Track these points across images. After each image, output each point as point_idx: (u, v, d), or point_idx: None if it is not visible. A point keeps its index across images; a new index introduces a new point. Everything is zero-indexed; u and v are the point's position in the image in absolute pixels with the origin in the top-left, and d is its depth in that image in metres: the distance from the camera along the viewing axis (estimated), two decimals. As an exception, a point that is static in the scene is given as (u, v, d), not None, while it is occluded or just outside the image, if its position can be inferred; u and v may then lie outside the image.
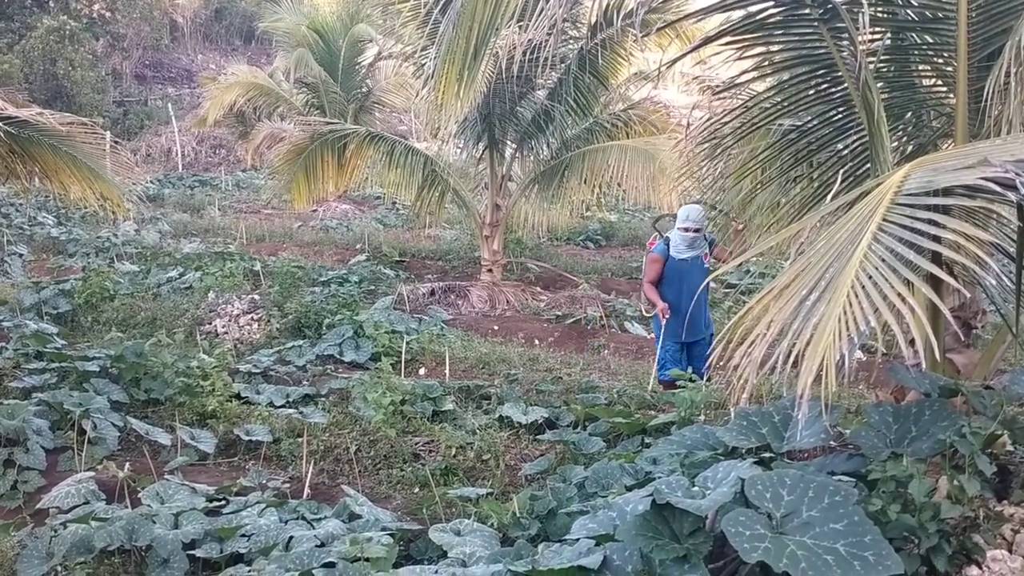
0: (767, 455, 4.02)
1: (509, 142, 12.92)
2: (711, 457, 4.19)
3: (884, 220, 2.83)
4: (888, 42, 4.80)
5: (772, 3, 4.51)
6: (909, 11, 4.70)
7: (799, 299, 2.83)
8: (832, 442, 4.34)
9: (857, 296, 2.67)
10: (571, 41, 11.37)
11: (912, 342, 2.69)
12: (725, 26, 4.62)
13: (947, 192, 2.90)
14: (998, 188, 2.67)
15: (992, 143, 3.55)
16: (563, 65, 11.62)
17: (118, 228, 16.55)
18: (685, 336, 7.55)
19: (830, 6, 4.30)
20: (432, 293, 12.76)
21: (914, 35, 4.81)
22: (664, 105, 13.36)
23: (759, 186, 5.53)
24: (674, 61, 5.35)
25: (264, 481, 5.97)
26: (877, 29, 4.70)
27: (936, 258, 3.07)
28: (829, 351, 2.58)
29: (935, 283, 3.11)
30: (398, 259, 15.48)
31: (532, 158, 13.12)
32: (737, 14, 4.56)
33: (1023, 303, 4.06)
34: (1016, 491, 3.49)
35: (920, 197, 2.88)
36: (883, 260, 2.74)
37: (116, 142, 8.04)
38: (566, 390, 7.86)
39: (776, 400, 4.54)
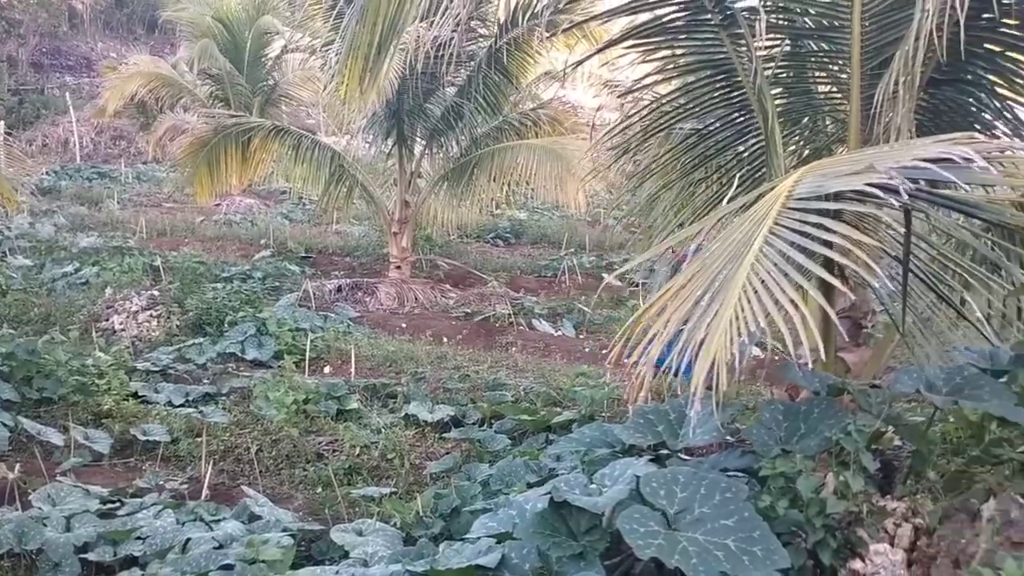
0: (663, 452, 4.09)
1: (419, 138, 12.87)
2: (610, 455, 4.24)
3: (775, 224, 2.89)
4: (787, 48, 4.92)
5: (675, 7, 4.59)
6: (807, 19, 4.83)
7: (694, 299, 2.88)
8: (730, 437, 4.44)
9: (749, 300, 2.72)
10: (480, 39, 11.39)
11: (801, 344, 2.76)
12: (631, 29, 4.69)
13: (838, 197, 2.98)
14: (881, 194, 2.75)
15: (879, 150, 3.66)
16: (472, 63, 11.64)
17: (11, 221, 15.93)
18: None
19: (729, 12, 4.39)
20: (339, 290, 12.61)
21: (811, 42, 4.95)
22: (572, 105, 13.48)
23: (664, 188, 5.63)
24: (580, 62, 5.41)
25: (161, 482, 5.83)
26: (776, 36, 4.82)
27: (827, 260, 3.15)
28: (721, 351, 2.63)
29: (826, 284, 3.20)
30: (304, 255, 15.26)
31: (442, 155, 13.09)
32: (643, 17, 4.63)
33: (909, 304, 4.21)
34: (899, 486, 3.61)
35: (811, 201, 2.95)
36: (775, 264, 2.80)
37: (9, 132, 7.73)
38: (473, 388, 7.86)
39: (673, 398, 4.62)
